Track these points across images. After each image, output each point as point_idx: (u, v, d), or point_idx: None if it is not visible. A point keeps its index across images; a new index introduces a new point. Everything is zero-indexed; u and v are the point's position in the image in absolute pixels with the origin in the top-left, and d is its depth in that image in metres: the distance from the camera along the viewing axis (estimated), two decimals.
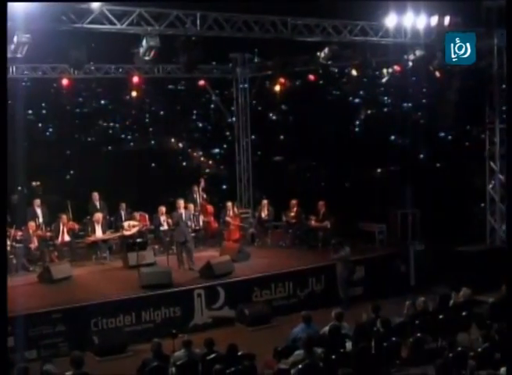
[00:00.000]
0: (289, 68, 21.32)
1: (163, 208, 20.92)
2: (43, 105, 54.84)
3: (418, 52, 18.01)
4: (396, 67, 20.32)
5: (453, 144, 45.82)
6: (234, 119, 26.30)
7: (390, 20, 17.27)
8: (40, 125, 55.56)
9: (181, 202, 19.82)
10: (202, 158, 53.08)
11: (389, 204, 23.12)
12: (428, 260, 20.29)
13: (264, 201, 22.85)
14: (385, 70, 20.62)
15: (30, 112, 54.92)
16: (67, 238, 20.32)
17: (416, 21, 17.17)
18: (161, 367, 12.12)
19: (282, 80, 23.40)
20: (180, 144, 55.47)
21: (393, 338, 13.17)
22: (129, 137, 57.78)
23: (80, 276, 18.90)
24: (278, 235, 22.54)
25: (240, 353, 12.43)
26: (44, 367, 12.26)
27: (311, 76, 23.21)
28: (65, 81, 22.02)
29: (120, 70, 23.39)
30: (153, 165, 52.01)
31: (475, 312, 14.57)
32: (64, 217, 20.28)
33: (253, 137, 55.09)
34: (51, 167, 45.23)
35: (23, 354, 14.67)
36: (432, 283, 19.14)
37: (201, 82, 24.63)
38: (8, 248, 19.02)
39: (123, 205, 21.75)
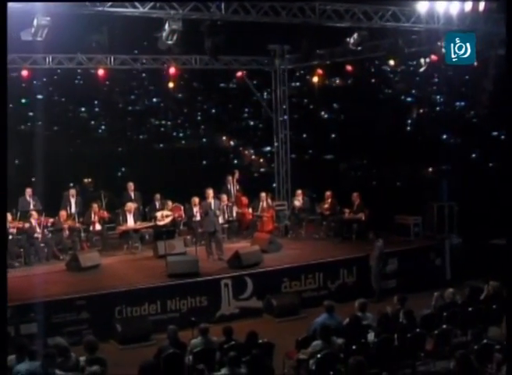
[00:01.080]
0: (316, 55, 20.79)
1: (196, 199, 20.71)
2: (95, 102, 55.42)
3: None
4: (433, 57, 19.76)
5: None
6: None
7: (422, 6, 16.76)
8: (92, 122, 56.12)
9: (210, 192, 19.52)
10: (253, 157, 53.02)
11: (427, 197, 22.59)
12: (465, 254, 19.75)
13: (299, 191, 22.49)
14: (422, 60, 20.07)
15: (82, 109, 55.60)
16: (98, 227, 20.29)
17: (449, 6, 16.63)
18: (177, 354, 11.95)
19: (319, 71, 23.07)
20: (232, 142, 55.51)
21: (418, 330, 12.84)
22: (180, 134, 58.05)
23: (108, 265, 18.82)
24: (312, 227, 22.26)
25: (259, 341, 12.23)
26: (55, 341, 12.13)
27: (349, 67, 22.69)
28: (101, 72, 21.96)
29: (157, 61, 23.13)
30: (204, 162, 52.12)
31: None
32: (95, 206, 20.27)
33: (304, 135, 55.37)
34: (103, 164, 45.63)
35: (45, 340, 14.57)
36: (469, 277, 18.61)
37: (239, 74, 24.37)
38: (40, 236, 19.14)
39: (158, 196, 21.64)
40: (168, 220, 20.66)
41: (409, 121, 52.42)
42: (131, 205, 20.45)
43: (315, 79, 24.04)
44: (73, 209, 20.74)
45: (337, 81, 55.54)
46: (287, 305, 17.45)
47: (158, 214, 20.67)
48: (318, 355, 11.51)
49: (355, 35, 16.93)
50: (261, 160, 51.18)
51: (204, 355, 11.99)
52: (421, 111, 52.06)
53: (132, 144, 53.62)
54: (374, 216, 20.97)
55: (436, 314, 13.77)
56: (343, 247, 20.37)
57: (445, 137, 49.13)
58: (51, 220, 19.69)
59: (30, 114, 53.30)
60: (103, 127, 56.50)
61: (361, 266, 18.86)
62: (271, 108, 25.47)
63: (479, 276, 18.11)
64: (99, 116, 56.21)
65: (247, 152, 53.23)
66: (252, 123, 56.22)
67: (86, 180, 43.56)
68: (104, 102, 54.94)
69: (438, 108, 52.47)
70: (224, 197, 21.06)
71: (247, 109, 53.77)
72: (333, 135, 53.98)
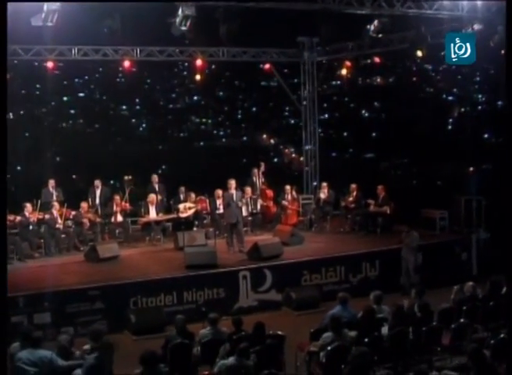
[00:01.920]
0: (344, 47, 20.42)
1: (220, 192, 20.41)
2: (136, 100, 55.65)
3: (477, 26, 17.03)
4: None
5: None
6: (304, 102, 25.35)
7: None
8: (133, 120, 56.37)
9: (232, 182, 19.20)
10: (294, 155, 52.80)
11: (455, 191, 22.12)
12: (493, 249, 19.22)
13: (324, 184, 22.17)
14: None
15: (123, 107, 55.85)
16: (120, 219, 20.16)
17: None
18: (184, 344, 11.75)
19: (348, 63, 22.75)
20: (272, 141, 55.32)
21: (434, 323, 12.47)
22: (221, 133, 58.05)
23: (127, 256, 18.68)
24: (337, 221, 21.90)
25: (269, 333, 12.04)
26: (59, 337, 12.00)
27: (377, 59, 22.29)
28: (126, 63, 21.84)
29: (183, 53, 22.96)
30: (244, 160, 51.96)
31: None
32: (117, 198, 20.16)
33: (345, 134, 55.00)
34: (143, 162, 45.72)
35: (59, 330, 14.48)
36: (496, 273, 18.06)
37: (267, 66, 24.08)
38: (61, 227, 19.10)
39: (182, 189, 21.49)
40: (190, 212, 20.49)
41: (450, 120, 51.73)
42: (153, 197, 20.32)
43: (344, 71, 23.63)
44: (97, 200, 20.67)
45: (378, 80, 55.15)
46: (306, 298, 17.13)
47: (181, 206, 20.51)
48: (329, 348, 11.21)
49: (375, 22, 16.58)
50: (301, 159, 50.87)
51: (212, 345, 11.75)
52: (463, 110, 51.33)
53: (172, 142, 53.67)
54: (399, 209, 20.54)
55: (455, 308, 13.33)
56: (366, 240, 19.99)
57: (486, 136, 48.41)
58: (72, 212, 19.61)
59: (72, 112, 53.70)
60: (144, 125, 56.69)
61: (384, 259, 18.51)
62: (300, 102, 25.21)
63: (504, 270, 17.61)
64: (140, 114, 56.43)
65: (287, 151, 52.94)
66: (292, 121, 55.92)
67: (126, 178, 43.70)
68: (145, 100, 55.16)
69: (479, 107, 51.71)
70: (248, 189, 20.87)
71: (287, 108, 53.51)
72: (374, 134, 53.48)
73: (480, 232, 19.82)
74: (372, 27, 16.73)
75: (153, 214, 20.15)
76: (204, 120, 58.28)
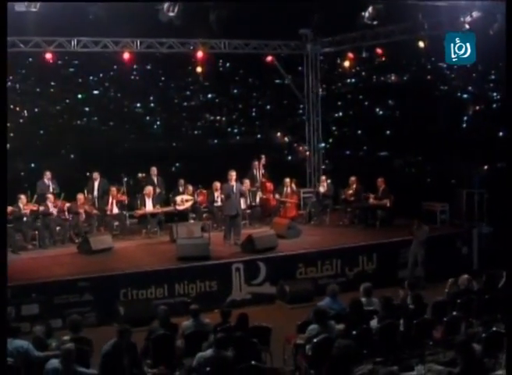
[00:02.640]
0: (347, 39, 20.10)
1: (218, 184, 20.17)
2: (151, 98, 55.66)
3: (476, 14, 16.64)
4: None
5: None
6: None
7: None
8: (147, 118, 56.39)
9: (233, 174, 18.79)
10: (307, 153, 52.61)
11: (457, 184, 21.73)
12: (495, 243, 18.82)
13: (323, 177, 21.98)
14: None
15: (138, 105, 55.89)
16: (116, 211, 19.92)
17: None
18: (167, 336, 11.50)
19: (350, 55, 22.47)
20: (286, 139, 55.12)
21: (425, 316, 12.14)
22: (235, 130, 57.94)
23: (121, 249, 18.44)
24: (337, 214, 21.60)
25: (255, 325, 11.89)
26: (34, 328, 11.81)
27: (379, 50, 21.92)
28: (126, 55, 21.60)
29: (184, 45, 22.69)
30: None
31: None
32: (114, 190, 19.94)
33: (359, 132, 54.68)
34: (157, 159, 45.67)
35: (47, 322, 14.24)
36: (497, 267, 17.68)
37: (269, 58, 23.77)
38: (55, 219, 18.92)
39: (182, 181, 21.20)
40: (188, 205, 20.24)
41: (465, 118, 51.29)
42: (150, 189, 20.06)
43: (347, 63, 23.32)
44: (95, 193, 20.46)
45: (392, 78, 54.84)
46: (301, 292, 16.81)
47: (178, 198, 20.27)
48: (315, 340, 10.94)
49: (370, 9, 16.25)
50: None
51: (195, 337, 11.52)
52: (477, 108, 50.87)
53: (186, 140, 53.60)
54: (400, 202, 20.19)
55: (449, 301, 12.99)
56: (365, 233, 19.66)
57: (501, 134, 47.92)
58: (67, 204, 19.40)
59: (86, 109, 53.79)
60: (158, 123, 56.71)
61: (382, 253, 18.21)
62: (302, 93, 24.95)
63: (506, 265, 17.23)
64: (154, 112, 56.44)
65: (301, 148, 52.66)
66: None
67: (140, 175, 43.63)
68: (160, 98, 55.13)
69: (494, 105, 51.20)
70: (247, 182, 20.58)
71: (301, 105, 53.31)
72: (388, 132, 53.17)
73: (482, 226, 19.38)
74: (367, 14, 16.40)
75: (149, 206, 19.89)
76: (218, 118, 58.17)
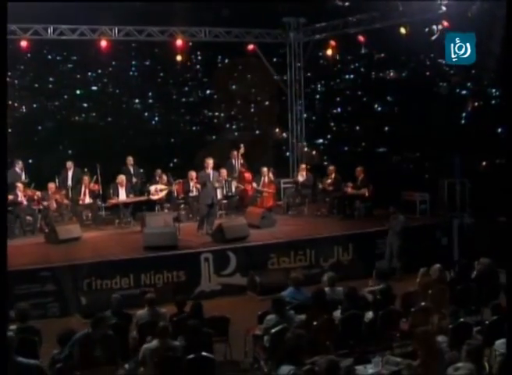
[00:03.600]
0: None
1: (193, 174, 19.61)
2: (149, 94, 55.41)
3: None
4: (445, 23, 18.31)
5: None
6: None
7: None
8: (146, 114, 56.13)
9: (210, 162, 18.23)
10: (305, 149, 52.28)
11: (439, 173, 21.18)
12: (477, 233, 18.26)
13: (303, 166, 21.56)
14: (434, 27, 18.60)
15: (136, 101, 55.61)
16: (88, 200, 19.46)
17: None
18: (119, 325, 11.09)
19: (333, 43, 22.01)
20: (284, 135, 54.69)
21: (391, 307, 11.63)
22: (233, 126, 57.60)
23: (90, 238, 17.96)
24: (315, 205, 21.05)
25: (213, 316, 11.65)
26: None
27: (361, 38, 21.38)
28: (103, 43, 21.15)
29: (164, 33, 22.25)
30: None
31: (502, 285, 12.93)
32: (86, 179, 19.51)
33: (357, 128, 54.16)
34: (156, 155, 45.43)
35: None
36: (478, 258, 17.15)
37: (251, 46, 23.27)
38: (25, 209, 18.51)
39: (159, 171, 20.74)
40: (162, 194, 19.74)
41: (464, 114, 50.78)
42: (122, 178, 19.51)
43: (329, 52, 22.82)
44: (69, 182, 20.03)
45: (391, 74, 54.44)
46: (272, 283, 16.18)
47: (152, 188, 19.79)
48: (272, 331, 10.53)
49: None
50: (314, 152, 50.34)
51: (150, 327, 11.00)
52: (476, 104, 50.35)
53: (185, 136, 53.27)
54: (379, 191, 19.65)
55: (420, 292, 12.43)
56: (343, 224, 19.13)
57: (500, 130, 47.52)
58: (38, 193, 18.93)
59: (85, 105, 53.55)
60: (156, 119, 56.34)
61: (359, 243, 17.69)
62: (286, 85, 24.53)
63: (488, 256, 16.71)
64: (152, 108, 56.07)
65: (299, 144, 52.37)
66: (305, 115, 55.48)
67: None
68: (158, 94, 54.81)
69: (493, 102, 50.64)
70: (224, 171, 19.98)
71: (300, 102, 52.99)
72: (387, 128, 52.74)
73: (464, 216, 18.84)
74: None
75: (123, 196, 19.38)
76: (216, 114, 57.81)
